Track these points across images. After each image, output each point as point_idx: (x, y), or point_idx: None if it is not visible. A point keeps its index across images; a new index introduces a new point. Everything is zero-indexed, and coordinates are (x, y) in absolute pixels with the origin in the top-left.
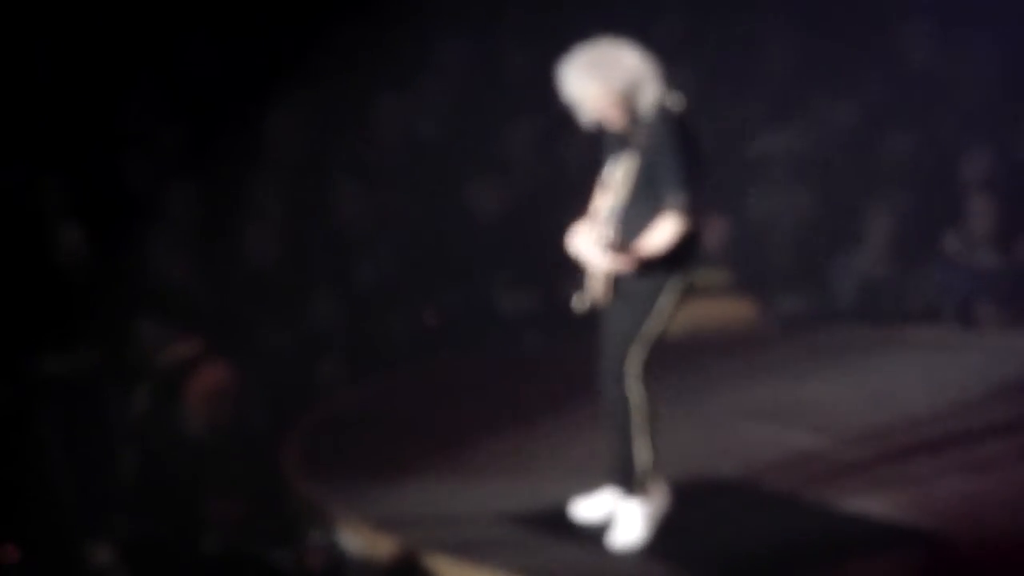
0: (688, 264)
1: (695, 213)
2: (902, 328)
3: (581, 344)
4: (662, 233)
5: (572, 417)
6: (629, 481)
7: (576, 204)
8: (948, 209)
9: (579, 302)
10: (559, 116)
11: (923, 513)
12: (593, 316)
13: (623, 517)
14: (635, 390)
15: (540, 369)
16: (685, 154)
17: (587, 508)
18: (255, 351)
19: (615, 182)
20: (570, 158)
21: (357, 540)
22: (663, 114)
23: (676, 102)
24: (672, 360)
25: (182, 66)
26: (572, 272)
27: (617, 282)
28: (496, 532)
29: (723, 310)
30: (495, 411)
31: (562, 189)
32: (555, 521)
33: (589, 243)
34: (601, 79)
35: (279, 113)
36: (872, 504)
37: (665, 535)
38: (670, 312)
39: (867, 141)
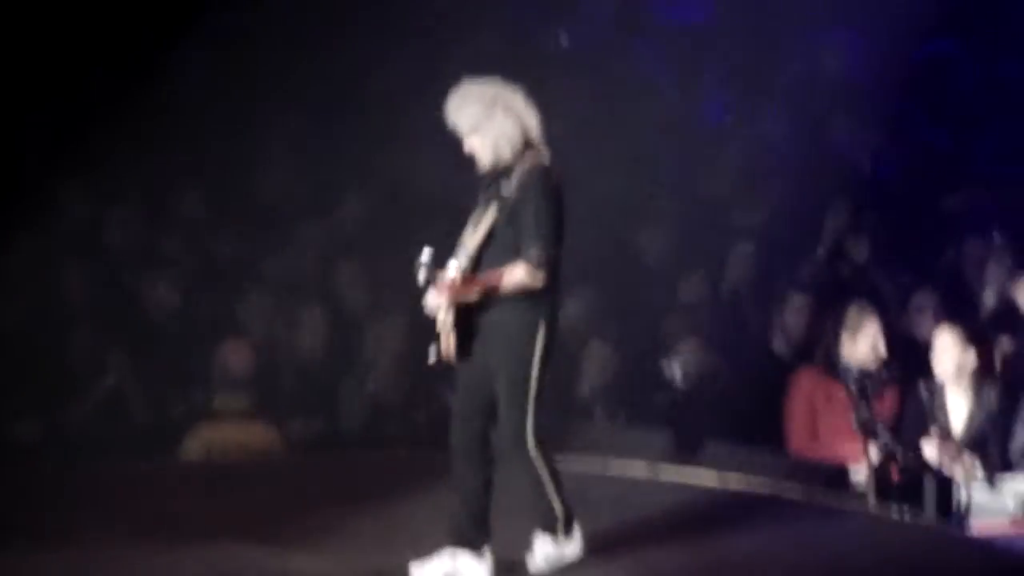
0: (552, 309)
1: (550, 270)
2: (408, 451)
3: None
4: (512, 276)
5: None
6: (553, 527)
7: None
8: None
9: (432, 355)
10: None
11: None
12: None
13: (540, 549)
14: (536, 452)
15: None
16: (550, 211)
17: (427, 571)
18: None
19: (478, 224)
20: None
21: None
22: (535, 167)
23: (547, 158)
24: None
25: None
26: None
27: (487, 334)
28: None
29: (243, 435)
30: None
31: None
32: None
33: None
34: (468, 115)
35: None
36: None
37: None
38: (544, 357)
39: None
